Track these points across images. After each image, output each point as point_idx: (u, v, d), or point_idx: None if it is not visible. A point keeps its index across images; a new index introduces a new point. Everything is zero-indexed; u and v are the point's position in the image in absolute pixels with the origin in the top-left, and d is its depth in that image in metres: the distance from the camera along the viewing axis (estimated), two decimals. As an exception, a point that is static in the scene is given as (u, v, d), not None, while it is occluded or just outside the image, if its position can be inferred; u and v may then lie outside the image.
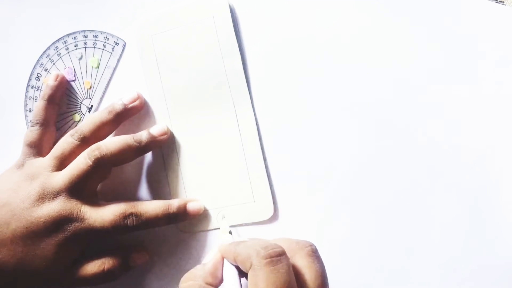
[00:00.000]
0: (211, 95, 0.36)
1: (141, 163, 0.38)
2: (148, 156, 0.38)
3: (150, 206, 0.35)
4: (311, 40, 0.35)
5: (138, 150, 0.35)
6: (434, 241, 0.33)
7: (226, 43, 0.36)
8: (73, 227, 0.34)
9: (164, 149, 0.38)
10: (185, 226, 0.37)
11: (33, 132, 0.37)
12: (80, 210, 0.34)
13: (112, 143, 0.35)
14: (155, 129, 0.36)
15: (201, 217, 0.37)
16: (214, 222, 0.37)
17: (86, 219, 0.34)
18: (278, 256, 0.26)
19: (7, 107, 0.41)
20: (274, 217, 0.36)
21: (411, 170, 0.34)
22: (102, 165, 0.34)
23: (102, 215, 0.34)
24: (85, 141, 0.35)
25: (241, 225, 0.36)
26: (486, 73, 0.33)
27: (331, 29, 0.35)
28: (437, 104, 0.33)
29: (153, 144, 0.36)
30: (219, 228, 0.37)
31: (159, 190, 0.38)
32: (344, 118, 0.35)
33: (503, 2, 0.32)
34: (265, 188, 0.36)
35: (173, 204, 0.35)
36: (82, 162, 0.34)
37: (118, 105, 0.36)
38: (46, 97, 0.38)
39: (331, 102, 0.35)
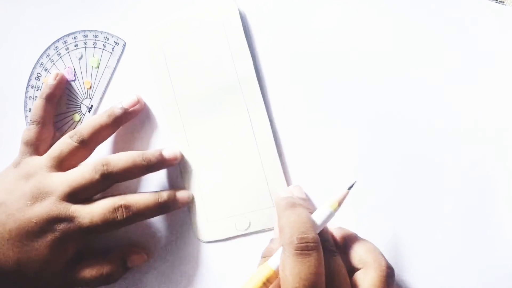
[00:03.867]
0: (224, 101, 0.36)
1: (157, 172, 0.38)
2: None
3: (140, 197, 0.35)
4: (322, 42, 0.35)
5: (146, 169, 0.35)
6: (435, 241, 0.33)
7: (236, 47, 0.36)
8: (62, 226, 0.34)
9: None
10: (205, 235, 0.37)
11: (30, 131, 0.37)
12: (69, 210, 0.34)
13: (120, 160, 0.35)
14: (168, 152, 0.36)
15: (221, 225, 0.36)
16: (233, 230, 0.36)
17: (75, 217, 0.34)
18: (309, 250, 0.26)
19: (7, 107, 0.41)
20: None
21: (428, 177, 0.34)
22: (108, 180, 0.34)
23: (91, 211, 0.34)
24: (84, 144, 0.35)
25: (262, 231, 0.36)
26: (486, 73, 0.33)
27: (340, 31, 0.35)
28: (436, 104, 0.33)
29: (161, 165, 0.36)
30: (239, 236, 0.36)
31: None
32: (359, 119, 0.35)
33: (503, 2, 0.32)
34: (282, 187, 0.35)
35: (162, 194, 0.35)
36: (88, 172, 0.34)
37: (117, 109, 0.36)
38: (44, 95, 0.38)
39: (346, 103, 0.35)
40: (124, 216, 0.34)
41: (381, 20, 0.34)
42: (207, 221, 0.37)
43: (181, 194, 0.36)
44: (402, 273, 0.33)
